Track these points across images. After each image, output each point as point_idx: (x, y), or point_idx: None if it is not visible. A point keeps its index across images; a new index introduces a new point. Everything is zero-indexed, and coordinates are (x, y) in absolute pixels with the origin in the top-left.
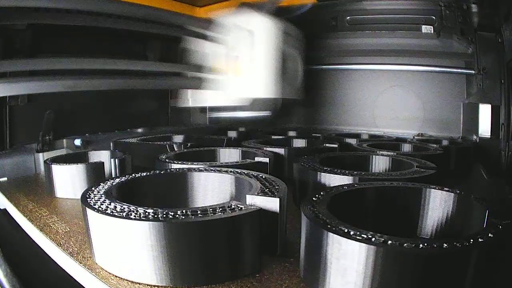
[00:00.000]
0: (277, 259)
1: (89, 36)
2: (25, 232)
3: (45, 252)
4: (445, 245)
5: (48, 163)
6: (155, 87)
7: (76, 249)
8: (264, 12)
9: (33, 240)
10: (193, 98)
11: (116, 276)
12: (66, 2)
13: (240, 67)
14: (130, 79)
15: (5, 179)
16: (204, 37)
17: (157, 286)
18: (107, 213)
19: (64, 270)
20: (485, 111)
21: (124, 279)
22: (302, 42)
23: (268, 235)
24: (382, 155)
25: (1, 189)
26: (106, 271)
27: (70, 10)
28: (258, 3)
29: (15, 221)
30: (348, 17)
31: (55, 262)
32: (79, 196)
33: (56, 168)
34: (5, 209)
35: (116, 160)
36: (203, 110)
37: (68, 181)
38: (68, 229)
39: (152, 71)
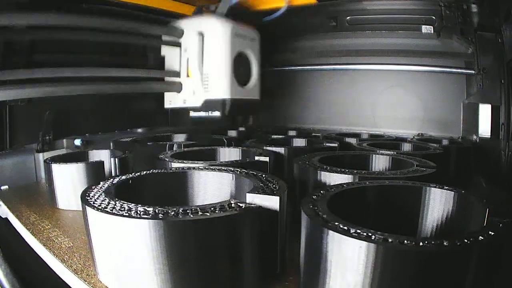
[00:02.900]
0: (277, 278)
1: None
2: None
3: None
4: (445, 243)
5: (48, 162)
6: (135, 91)
7: (80, 265)
8: (219, 14)
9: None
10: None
11: None
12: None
13: (192, 69)
14: (116, 85)
15: (6, 187)
16: (161, 41)
17: None
18: (107, 211)
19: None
20: (485, 111)
21: None
22: (258, 43)
23: (268, 235)
24: (382, 154)
25: (3, 199)
26: None
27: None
28: (214, 5)
29: (16, 230)
30: (348, 17)
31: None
32: (79, 198)
33: (56, 167)
34: (6, 218)
35: (116, 159)
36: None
37: (68, 180)
38: (71, 244)
39: (128, 76)
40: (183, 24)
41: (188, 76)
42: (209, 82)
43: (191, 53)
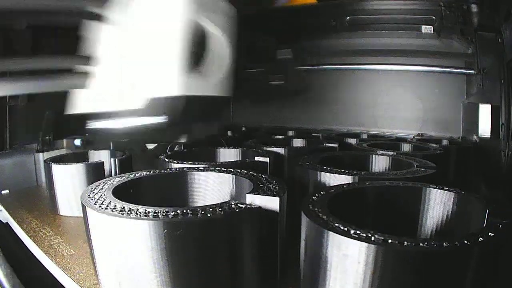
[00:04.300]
0: (277, 283)
1: None
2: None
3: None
4: (445, 244)
5: (48, 162)
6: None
7: (82, 274)
8: None
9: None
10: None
11: None
12: None
13: (124, 53)
14: None
15: (7, 191)
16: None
17: None
18: (108, 212)
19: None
20: (485, 111)
21: None
22: (229, 17)
23: (268, 236)
24: (382, 154)
25: (3, 203)
26: None
27: None
28: None
29: (17, 234)
30: (348, 17)
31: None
32: (79, 203)
33: (56, 168)
34: (7, 223)
35: (116, 159)
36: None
37: (68, 181)
38: (73, 252)
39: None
40: None
41: (114, 64)
42: (152, 74)
43: (122, 30)
